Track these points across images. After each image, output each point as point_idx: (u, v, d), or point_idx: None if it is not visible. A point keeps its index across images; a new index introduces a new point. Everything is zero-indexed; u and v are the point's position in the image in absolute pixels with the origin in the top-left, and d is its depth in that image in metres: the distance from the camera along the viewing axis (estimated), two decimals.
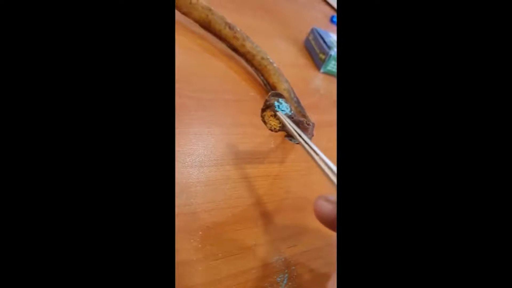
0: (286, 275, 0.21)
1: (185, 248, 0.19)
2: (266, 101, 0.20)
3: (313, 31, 0.49)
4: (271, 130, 0.21)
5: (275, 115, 0.20)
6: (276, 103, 0.20)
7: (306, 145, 0.19)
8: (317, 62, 0.47)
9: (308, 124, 0.22)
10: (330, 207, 0.17)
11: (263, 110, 0.21)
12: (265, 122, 0.21)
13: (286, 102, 0.21)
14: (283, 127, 0.21)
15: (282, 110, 0.20)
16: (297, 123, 0.21)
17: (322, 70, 0.46)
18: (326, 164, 0.17)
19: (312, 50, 0.49)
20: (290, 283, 0.20)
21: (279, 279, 0.20)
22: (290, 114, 0.20)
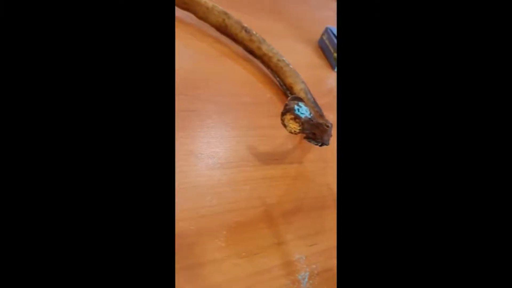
0: (307, 273, 0.21)
1: (209, 248, 0.20)
2: (286, 105, 0.21)
3: (327, 31, 0.49)
4: (291, 133, 0.22)
5: (294, 118, 0.21)
6: (295, 107, 0.21)
7: None
8: (332, 62, 0.47)
9: (327, 126, 0.22)
10: None
11: (283, 113, 0.21)
12: (285, 125, 0.22)
13: (305, 106, 0.21)
14: (302, 130, 0.21)
15: (302, 114, 0.21)
16: (316, 126, 0.21)
17: (337, 69, 0.47)
18: None
19: (327, 50, 0.49)
20: (311, 281, 0.21)
21: (300, 277, 0.21)
22: (309, 117, 0.21)
